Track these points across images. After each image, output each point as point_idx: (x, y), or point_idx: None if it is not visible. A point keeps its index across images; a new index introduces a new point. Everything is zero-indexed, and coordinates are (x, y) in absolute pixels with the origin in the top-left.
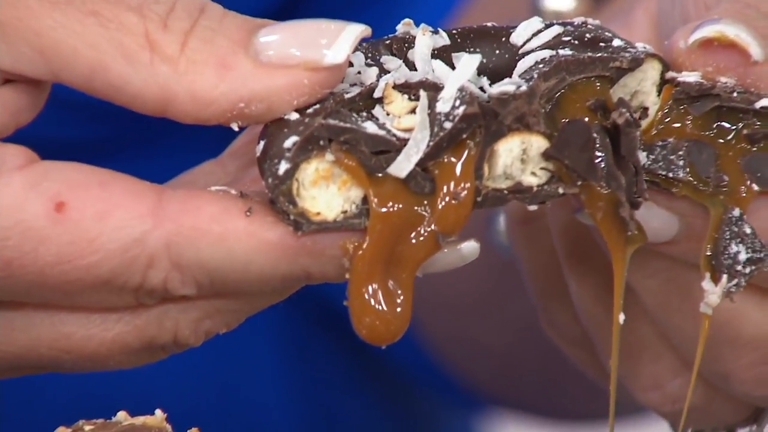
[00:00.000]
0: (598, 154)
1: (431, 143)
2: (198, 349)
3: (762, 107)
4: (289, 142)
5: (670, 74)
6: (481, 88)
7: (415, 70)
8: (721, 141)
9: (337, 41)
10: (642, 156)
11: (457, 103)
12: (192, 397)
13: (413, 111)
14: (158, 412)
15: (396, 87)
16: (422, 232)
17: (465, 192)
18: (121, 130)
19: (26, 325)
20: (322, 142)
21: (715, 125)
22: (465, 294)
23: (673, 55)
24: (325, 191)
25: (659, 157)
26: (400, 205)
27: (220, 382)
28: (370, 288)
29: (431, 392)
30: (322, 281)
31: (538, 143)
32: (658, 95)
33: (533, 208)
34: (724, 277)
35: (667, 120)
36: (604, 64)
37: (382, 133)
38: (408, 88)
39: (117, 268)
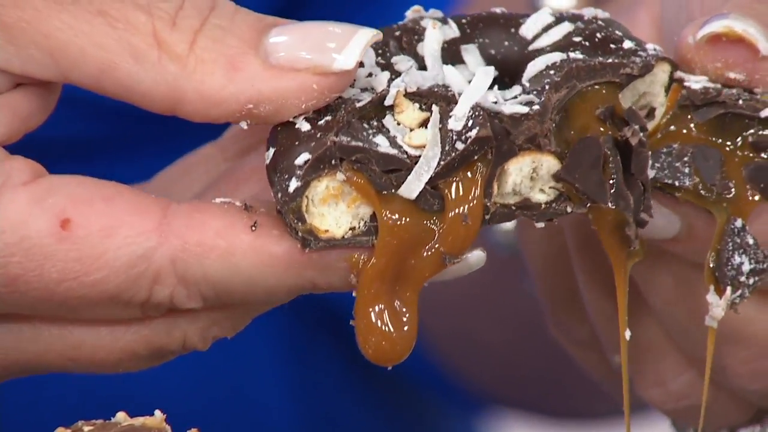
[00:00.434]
0: (608, 173)
1: (442, 162)
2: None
3: (767, 116)
4: (300, 160)
5: (678, 75)
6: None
7: (425, 67)
8: (727, 148)
9: (347, 46)
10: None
11: (470, 123)
12: (191, 397)
13: (424, 122)
14: (158, 412)
15: (407, 95)
16: (428, 251)
17: (473, 216)
18: (126, 127)
19: (34, 336)
20: (333, 161)
21: (720, 131)
22: (464, 293)
23: (682, 51)
24: (335, 209)
25: (665, 164)
26: (409, 223)
27: (220, 383)
28: (376, 308)
29: (431, 392)
30: (328, 291)
31: (548, 163)
32: (666, 95)
33: (540, 225)
34: (728, 289)
35: (672, 124)
36: (615, 70)
37: (393, 152)
38: (419, 97)
39: (123, 284)
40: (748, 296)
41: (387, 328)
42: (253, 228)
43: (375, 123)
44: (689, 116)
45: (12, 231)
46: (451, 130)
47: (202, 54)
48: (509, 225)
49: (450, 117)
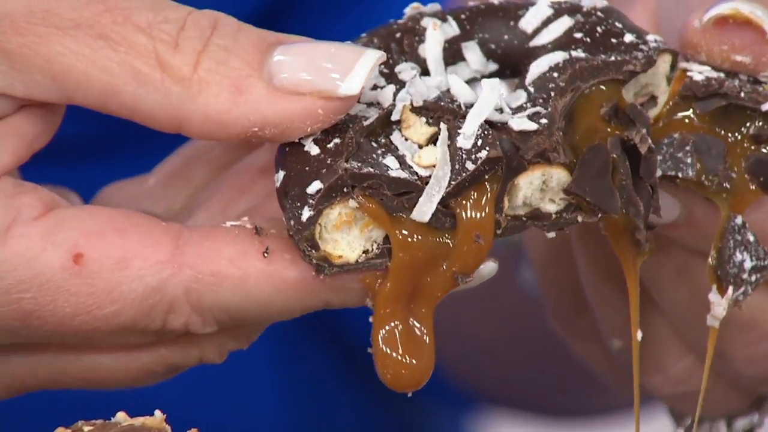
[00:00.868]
0: (618, 179)
1: (453, 182)
2: None
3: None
4: (312, 189)
5: (681, 64)
6: (492, 72)
7: (427, 70)
8: (729, 139)
9: (352, 71)
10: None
11: (479, 142)
12: (191, 397)
13: (432, 138)
14: (157, 412)
15: (413, 110)
16: (441, 270)
17: (485, 235)
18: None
19: (49, 362)
20: (345, 189)
21: (722, 122)
22: (457, 291)
23: (688, 35)
24: (347, 234)
25: (666, 155)
26: (422, 243)
27: (220, 383)
28: (395, 332)
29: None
30: (341, 308)
31: (558, 175)
32: (668, 84)
33: (551, 235)
34: (731, 288)
35: (674, 113)
36: (618, 68)
37: (404, 175)
38: (426, 111)
39: (137, 316)
40: (750, 294)
41: (406, 356)
42: (266, 254)
43: (383, 140)
44: (691, 106)
45: (25, 267)
46: (461, 149)
47: (206, 76)
48: None
49: (459, 135)
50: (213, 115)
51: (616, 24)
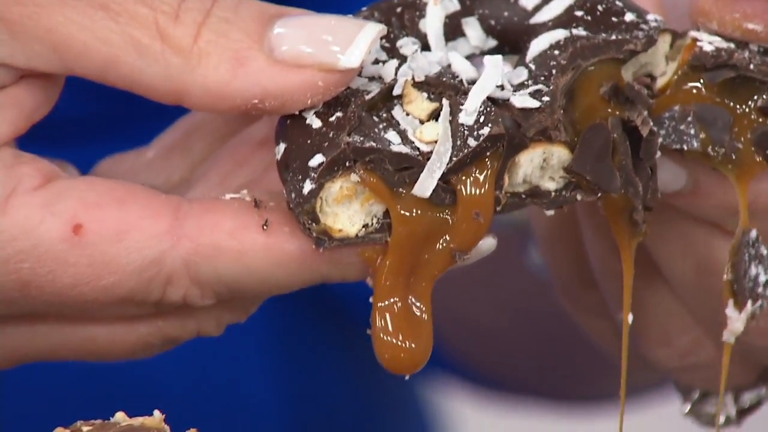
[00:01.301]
0: (618, 159)
1: (454, 158)
2: (196, 349)
3: None
4: (314, 162)
5: (692, 33)
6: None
7: (428, 45)
8: (738, 110)
9: (353, 43)
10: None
11: (482, 119)
12: (191, 397)
13: (434, 113)
14: (156, 412)
15: (415, 85)
16: (439, 248)
17: (485, 212)
18: (129, 104)
19: (47, 333)
20: (348, 163)
21: (730, 94)
22: (463, 271)
23: (699, 3)
24: (348, 208)
25: (669, 129)
26: (422, 218)
27: (219, 383)
28: (394, 310)
29: (427, 376)
30: (340, 282)
31: (558, 153)
32: (668, 63)
33: (551, 213)
34: (749, 303)
35: (683, 83)
36: (618, 47)
37: (406, 150)
38: (428, 86)
39: (135, 287)
40: (766, 307)
41: (406, 340)
42: (265, 227)
43: (384, 115)
44: (700, 77)
45: (24, 237)
46: (463, 125)
47: (206, 47)
48: None
49: (461, 111)
50: (213, 87)
51: (617, 2)
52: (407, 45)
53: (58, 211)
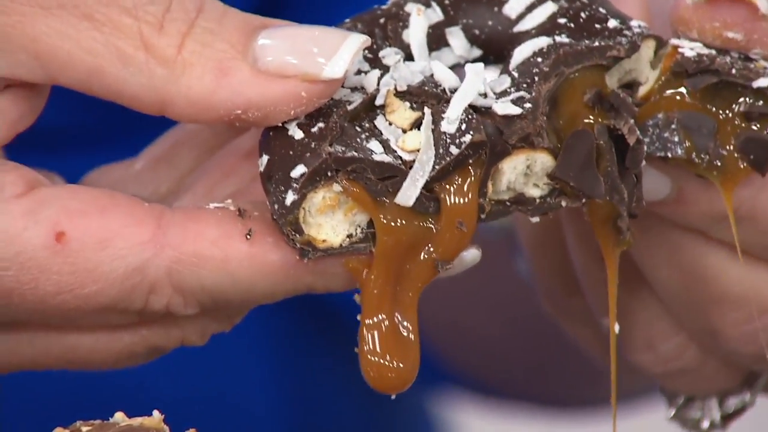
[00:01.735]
0: (603, 166)
1: (437, 166)
2: (196, 350)
3: (759, 87)
4: (296, 172)
5: (672, 41)
6: (476, 58)
7: (412, 56)
8: (720, 116)
9: (336, 54)
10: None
11: (464, 126)
12: (190, 397)
13: (416, 122)
14: (156, 413)
15: (397, 94)
16: (422, 259)
17: (468, 221)
18: (116, 113)
19: (30, 341)
20: (329, 173)
21: (713, 100)
22: (454, 280)
23: (680, 11)
24: (331, 218)
25: (653, 137)
26: (406, 227)
27: (218, 383)
28: (381, 332)
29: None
30: (325, 293)
31: (542, 159)
32: (652, 69)
33: (536, 219)
34: None
35: (665, 90)
36: (602, 53)
37: (388, 159)
38: (410, 95)
39: (118, 296)
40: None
41: (393, 361)
42: (248, 236)
43: (366, 125)
44: (682, 83)
45: (6, 245)
46: (445, 133)
47: (190, 58)
48: None
49: (443, 119)
50: (196, 97)
51: (600, 10)
52: (390, 55)
53: (41, 219)
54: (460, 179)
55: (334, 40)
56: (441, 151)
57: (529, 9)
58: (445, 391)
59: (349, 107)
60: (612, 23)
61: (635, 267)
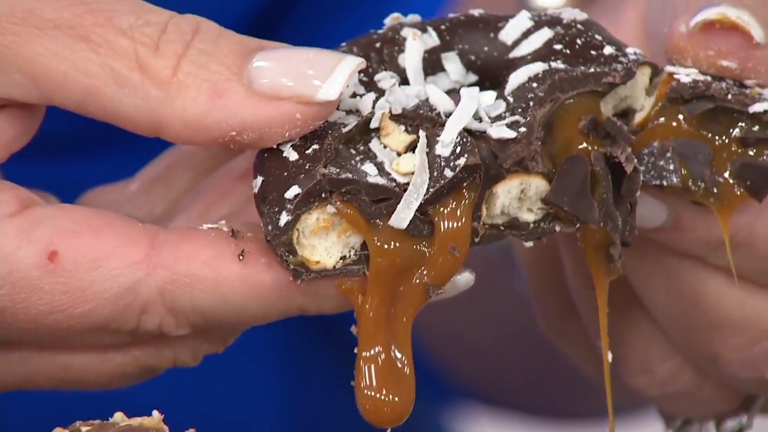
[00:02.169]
0: (599, 193)
1: (431, 189)
2: None
3: (755, 112)
4: (290, 193)
5: (667, 68)
6: (471, 84)
7: (407, 80)
8: (716, 142)
9: (331, 76)
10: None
11: (458, 149)
12: (189, 398)
13: (411, 145)
14: (155, 413)
15: (392, 117)
16: (413, 284)
17: (461, 245)
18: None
19: (22, 360)
20: (323, 194)
21: (709, 126)
22: (458, 296)
23: (674, 40)
24: (325, 239)
25: (649, 165)
26: (400, 250)
27: (218, 383)
28: (377, 365)
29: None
30: (317, 314)
31: (536, 184)
32: (647, 96)
33: (529, 244)
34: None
35: (661, 116)
36: (597, 80)
37: (382, 181)
38: (405, 118)
39: (110, 316)
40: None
41: (389, 395)
42: (241, 257)
43: (361, 147)
44: (678, 109)
45: None
46: (439, 156)
47: (185, 79)
48: None
49: (437, 142)
50: (191, 119)
51: (596, 36)
52: (385, 79)
53: (34, 238)
54: (454, 202)
55: (329, 63)
56: (435, 174)
57: (525, 35)
58: (450, 402)
59: (344, 130)
60: (608, 50)
61: (631, 290)
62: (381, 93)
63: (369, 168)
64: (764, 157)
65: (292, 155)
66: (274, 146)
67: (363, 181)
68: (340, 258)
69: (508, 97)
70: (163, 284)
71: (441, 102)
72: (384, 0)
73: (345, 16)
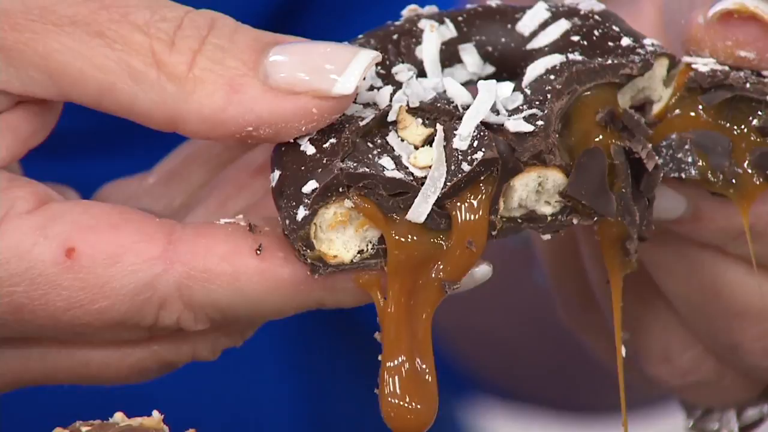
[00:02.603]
0: (618, 186)
1: (448, 183)
2: None
3: None
4: (308, 188)
5: (685, 59)
6: (489, 75)
7: (424, 71)
8: (735, 132)
9: (347, 70)
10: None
11: (475, 143)
12: (189, 398)
13: (428, 139)
14: (155, 413)
15: (410, 110)
16: (429, 281)
17: (478, 240)
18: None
19: (41, 356)
20: (341, 189)
21: (728, 115)
22: (477, 289)
23: (692, 31)
24: (342, 234)
25: (667, 158)
26: (417, 244)
27: (218, 383)
28: (401, 374)
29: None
30: (335, 308)
31: (554, 177)
32: (665, 88)
33: (547, 237)
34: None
35: (679, 107)
36: (615, 71)
37: (400, 175)
38: (422, 111)
39: (128, 311)
40: None
41: (411, 401)
42: (258, 252)
43: (379, 141)
44: (696, 100)
45: (17, 260)
46: (457, 150)
47: (201, 75)
48: None
49: (455, 136)
50: (207, 114)
51: (614, 28)
52: (402, 71)
53: (52, 235)
54: (471, 196)
55: (344, 56)
56: (453, 167)
57: (543, 26)
58: (468, 395)
59: (361, 123)
60: (625, 41)
61: (652, 280)
62: (398, 86)
63: (386, 162)
64: None
65: (310, 149)
66: (291, 140)
67: (380, 176)
68: (358, 252)
69: (526, 90)
70: (180, 279)
71: (458, 94)
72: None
73: (363, 10)
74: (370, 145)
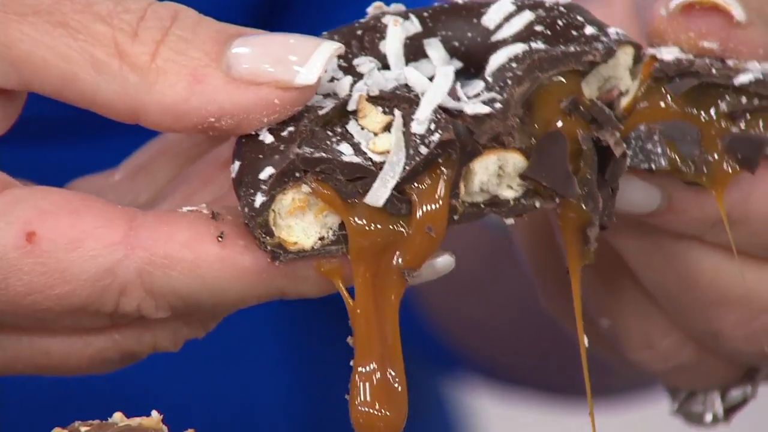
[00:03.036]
0: (582, 172)
1: (407, 167)
2: (195, 349)
3: (741, 84)
4: (264, 174)
5: (649, 50)
6: (457, 70)
7: (389, 67)
8: (704, 120)
9: (309, 60)
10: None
11: (433, 126)
12: (189, 398)
13: (388, 126)
14: (154, 413)
15: (369, 99)
16: (393, 265)
17: (438, 225)
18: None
19: (1, 345)
20: (298, 174)
21: (696, 103)
22: (461, 273)
23: (654, 23)
24: (302, 220)
25: (636, 149)
26: (378, 229)
27: (217, 383)
28: (372, 382)
29: (431, 368)
30: (297, 298)
31: (514, 159)
32: (632, 77)
33: (510, 221)
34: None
35: (647, 98)
36: (577, 58)
37: (357, 160)
38: (382, 100)
39: (89, 297)
40: None
41: (380, 408)
42: (220, 239)
43: (339, 129)
44: (663, 89)
45: None
46: (415, 134)
47: (163, 65)
48: None
49: (413, 121)
50: (169, 105)
51: (578, 17)
52: (364, 63)
53: (12, 219)
54: (430, 180)
55: (307, 47)
56: (411, 152)
57: (507, 18)
58: (457, 375)
59: (321, 112)
60: (589, 30)
61: (630, 270)
62: (359, 77)
63: (344, 148)
64: (753, 129)
65: (268, 138)
66: (253, 132)
67: (337, 160)
68: (319, 238)
69: (488, 78)
70: (141, 265)
71: (419, 83)
72: None
73: (344, 6)
74: (330, 133)
